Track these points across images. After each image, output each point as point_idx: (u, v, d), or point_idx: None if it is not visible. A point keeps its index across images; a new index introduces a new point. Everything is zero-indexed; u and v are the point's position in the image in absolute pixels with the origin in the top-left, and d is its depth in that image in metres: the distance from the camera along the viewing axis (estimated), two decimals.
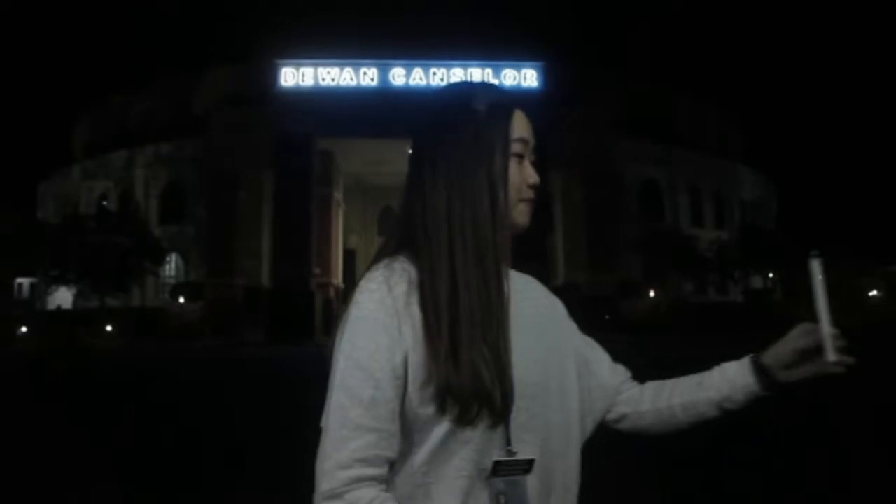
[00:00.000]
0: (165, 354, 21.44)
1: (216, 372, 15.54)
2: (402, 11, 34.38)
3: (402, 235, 0.98)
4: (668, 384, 1.10)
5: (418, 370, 0.89)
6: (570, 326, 1.10)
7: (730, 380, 1.04)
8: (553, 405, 0.98)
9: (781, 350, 1.01)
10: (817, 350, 0.98)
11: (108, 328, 29.68)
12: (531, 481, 0.92)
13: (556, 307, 1.09)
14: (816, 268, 0.99)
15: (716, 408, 1.06)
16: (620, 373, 1.12)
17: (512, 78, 32.95)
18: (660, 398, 1.09)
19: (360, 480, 0.86)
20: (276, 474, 5.09)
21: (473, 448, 0.89)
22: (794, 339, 1.00)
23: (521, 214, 1.00)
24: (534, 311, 1.02)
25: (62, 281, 32.61)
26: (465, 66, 33.06)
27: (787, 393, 1.03)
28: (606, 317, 27.27)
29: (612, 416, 1.10)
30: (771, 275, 38.98)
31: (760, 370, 1.02)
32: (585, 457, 1.04)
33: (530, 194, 1.01)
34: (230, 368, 16.54)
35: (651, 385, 1.12)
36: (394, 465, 0.90)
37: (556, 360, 1.02)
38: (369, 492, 0.86)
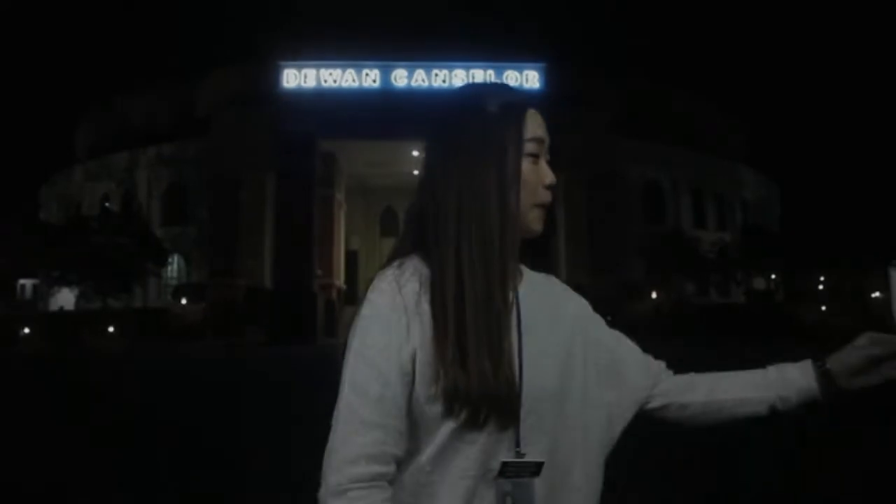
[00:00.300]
0: (167, 355, 21.45)
1: (218, 373, 15.55)
2: (403, 13, 34.39)
3: (416, 236, 0.98)
4: (716, 377, 1.09)
5: (426, 369, 0.89)
6: (595, 324, 1.09)
7: (789, 381, 1.04)
8: (570, 409, 0.98)
9: (852, 357, 1.00)
10: (888, 358, 0.98)
11: (111, 329, 29.69)
12: (537, 483, 0.92)
13: (579, 306, 1.08)
14: (895, 277, 0.99)
15: (767, 407, 1.05)
16: (653, 365, 1.10)
17: (514, 79, 32.92)
18: (707, 391, 1.07)
19: (365, 478, 0.87)
20: (276, 475, 5.09)
21: (480, 448, 0.89)
22: (866, 347, 0.99)
23: (535, 220, 1.00)
24: (551, 313, 1.02)
25: (64, 282, 32.65)
26: (467, 68, 33.06)
27: (852, 398, 1.03)
28: (609, 318, 27.11)
29: (652, 405, 1.08)
30: (773, 276, 38.92)
31: (823, 375, 1.02)
32: (611, 458, 1.03)
33: (546, 197, 1.00)
34: (232, 369, 16.54)
35: (695, 376, 1.10)
36: (400, 463, 0.90)
37: (576, 361, 1.01)
38: (372, 495, 0.86)
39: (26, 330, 29.30)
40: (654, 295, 34.64)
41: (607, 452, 1.03)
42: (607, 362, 1.06)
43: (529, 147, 0.98)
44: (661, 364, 1.11)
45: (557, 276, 1.12)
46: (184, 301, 33.07)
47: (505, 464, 0.90)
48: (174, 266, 37.99)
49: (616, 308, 30.24)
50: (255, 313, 30.26)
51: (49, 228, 33.97)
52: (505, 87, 1.04)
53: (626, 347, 1.10)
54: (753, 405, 1.05)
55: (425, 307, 0.91)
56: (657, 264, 34.93)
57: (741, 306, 36.30)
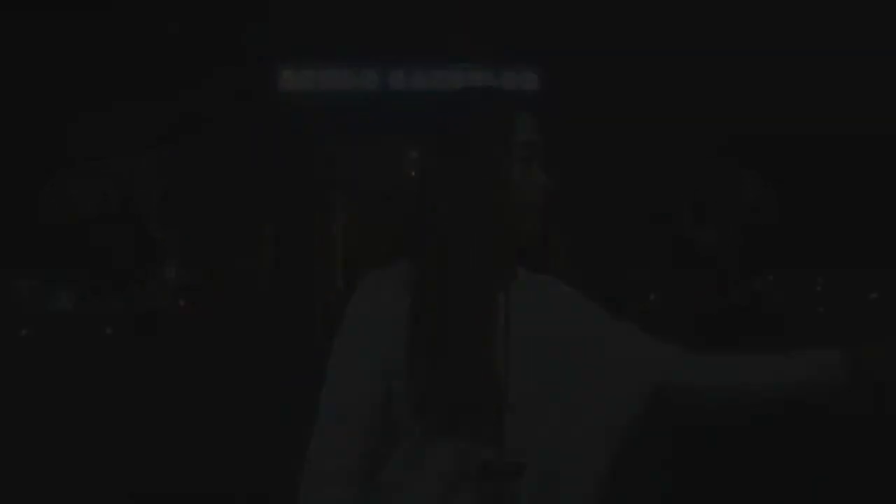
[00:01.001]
0: (166, 356, 21.49)
1: (217, 373, 15.56)
2: (402, 15, 34.50)
3: (408, 241, 0.98)
4: (739, 361, 1.07)
5: (400, 370, 0.90)
6: (598, 321, 1.07)
7: (815, 368, 1.02)
8: (564, 410, 0.97)
9: (881, 349, 1.00)
10: None
11: (108, 331, 29.75)
12: (524, 484, 0.91)
13: (578, 305, 1.07)
14: None
15: (791, 393, 1.03)
16: (665, 352, 1.07)
17: (512, 81, 33.06)
18: (730, 375, 1.05)
19: (333, 474, 0.88)
20: (272, 474, 5.09)
21: (458, 447, 0.89)
22: None
23: (528, 224, 1.00)
24: (545, 316, 1.00)
25: (62, 283, 32.69)
26: (465, 70, 33.18)
27: (879, 392, 1.01)
28: None
29: (670, 390, 1.05)
30: (772, 277, 39.10)
31: (852, 364, 1.01)
32: (618, 460, 1.02)
33: (538, 200, 1.00)
34: (231, 370, 16.57)
35: (716, 359, 1.08)
36: (374, 462, 0.91)
37: (573, 362, 0.99)
38: (339, 492, 0.88)
39: (24, 332, 29.33)
40: (651, 296, 34.80)
41: (616, 449, 1.01)
42: (611, 358, 1.03)
43: (521, 150, 0.98)
44: (675, 349, 1.08)
45: (554, 277, 1.11)
46: (182, 302, 33.15)
47: (485, 463, 0.89)
48: (172, 267, 38.05)
49: (614, 309, 30.38)
50: (254, 314, 30.35)
51: (47, 229, 34.02)
52: (497, 90, 1.06)
53: (633, 339, 1.07)
54: (777, 390, 1.04)
55: (403, 309, 0.91)
56: (655, 265, 35.07)
57: (740, 307, 36.43)
